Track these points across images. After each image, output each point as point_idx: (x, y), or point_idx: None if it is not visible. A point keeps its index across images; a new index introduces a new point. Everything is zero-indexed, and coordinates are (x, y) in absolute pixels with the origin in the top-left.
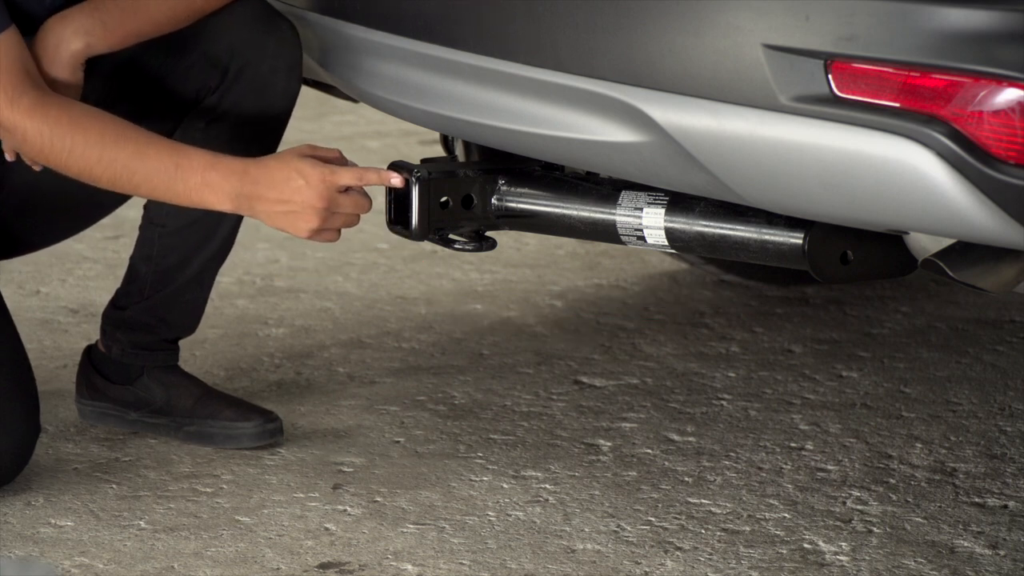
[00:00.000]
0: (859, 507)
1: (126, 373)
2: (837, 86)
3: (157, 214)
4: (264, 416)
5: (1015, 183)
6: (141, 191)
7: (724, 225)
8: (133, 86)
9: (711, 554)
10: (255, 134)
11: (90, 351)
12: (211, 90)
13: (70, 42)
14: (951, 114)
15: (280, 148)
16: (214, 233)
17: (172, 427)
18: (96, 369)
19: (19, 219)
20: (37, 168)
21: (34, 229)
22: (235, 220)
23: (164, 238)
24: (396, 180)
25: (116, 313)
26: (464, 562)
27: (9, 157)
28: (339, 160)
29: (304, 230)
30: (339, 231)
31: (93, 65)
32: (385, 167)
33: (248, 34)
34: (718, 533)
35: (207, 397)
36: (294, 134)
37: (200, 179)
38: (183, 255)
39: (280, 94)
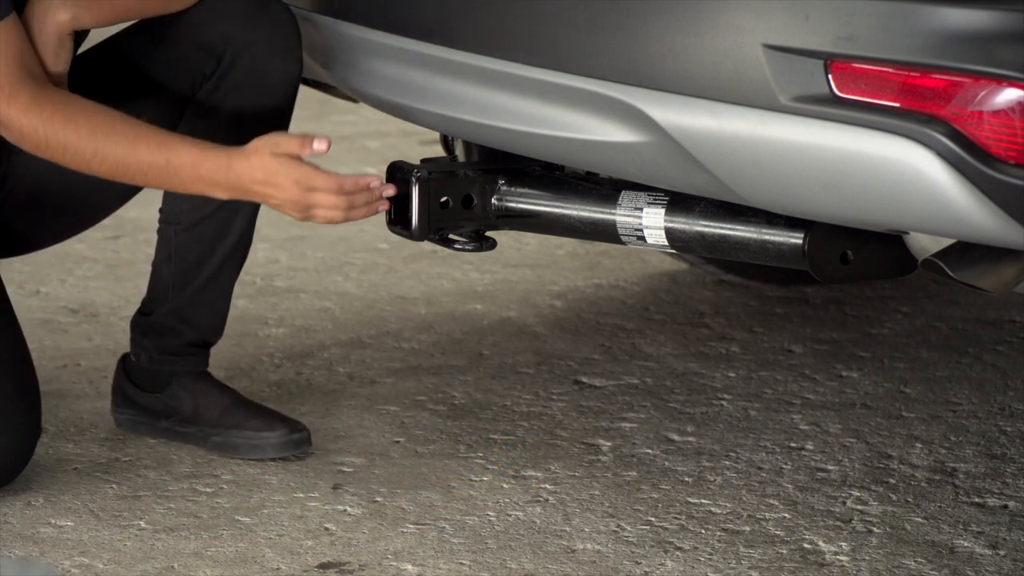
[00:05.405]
0: (859, 507)
1: (156, 381)
2: (837, 86)
3: (171, 212)
4: (289, 426)
5: (1015, 183)
6: (138, 182)
7: (724, 225)
8: (129, 85)
9: (711, 554)
10: (257, 123)
11: (125, 360)
12: (206, 78)
13: (56, 12)
14: (951, 114)
15: None
16: (229, 227)
17: (200, 437)
18: (129, 378)
19: (22, 217)
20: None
21: (37, 227)
22: (250, 213)
23: (180, 235)
24: (375, 182)
25: (143, 319)
26: (464, 562)
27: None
28: (307, 145)
29: (294, 217)
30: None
31: (86, 66)
32: (385, 167)
33: (242, 19)
34: (718, 533)
35: (234, 407)
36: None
37: (192, 175)
38: (201, 252)
39: (278, 78)
